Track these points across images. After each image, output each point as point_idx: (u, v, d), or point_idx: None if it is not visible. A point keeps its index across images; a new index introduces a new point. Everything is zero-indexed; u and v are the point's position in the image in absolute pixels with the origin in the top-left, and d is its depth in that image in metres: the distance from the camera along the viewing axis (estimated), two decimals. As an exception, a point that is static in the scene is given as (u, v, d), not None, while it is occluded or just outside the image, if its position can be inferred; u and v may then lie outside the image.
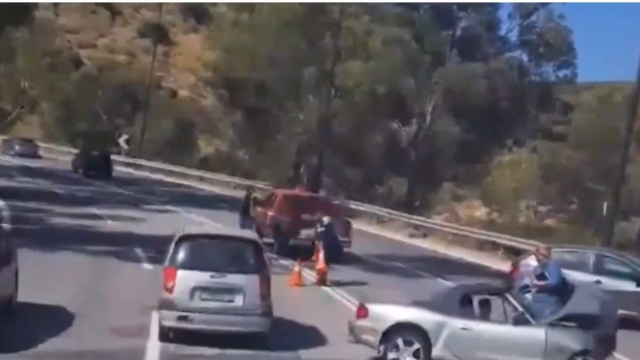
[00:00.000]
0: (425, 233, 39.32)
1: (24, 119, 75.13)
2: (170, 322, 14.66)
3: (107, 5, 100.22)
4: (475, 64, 49.28)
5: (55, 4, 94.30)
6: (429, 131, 50.79)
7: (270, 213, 29.10)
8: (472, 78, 48.60)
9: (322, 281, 23.03)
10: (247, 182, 51.99)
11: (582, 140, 60.82)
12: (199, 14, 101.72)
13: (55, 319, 16.35)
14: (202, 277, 14.64)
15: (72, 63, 79.23)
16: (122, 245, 26.93)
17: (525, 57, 51.38)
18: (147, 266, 23.61)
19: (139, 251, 26.07)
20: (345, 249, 27.97)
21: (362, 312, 14.50)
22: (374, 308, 14.45)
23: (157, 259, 24.41)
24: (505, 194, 57.81)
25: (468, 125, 50.21)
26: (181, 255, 15.01)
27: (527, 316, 13.67)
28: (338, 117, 48.22)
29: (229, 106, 52.74)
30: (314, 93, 49.23)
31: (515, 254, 34.47)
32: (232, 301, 14.66)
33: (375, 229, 40.39)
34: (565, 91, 56.60)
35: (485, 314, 14.31)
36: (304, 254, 25.00)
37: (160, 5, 73.45)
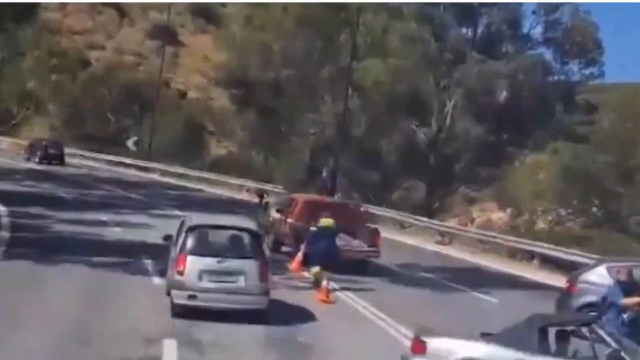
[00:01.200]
0: (451, 240, 36.65)
1: (29, 121, 72.55)
2: (181, 301, 16.44)
3: (116, 7, 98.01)
4: (498, 62, 46.56)
5: (63, 6, 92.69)
6: (448, 132, 48.08)
7: (289, 220, 26.50)
8: (494, 77, 45.88)
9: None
10: (261, 185, 49.40)
11: (605, 142, 58.29)
12: (207, 15, 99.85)
13: (46, 350, 13.77)
14: (208, 262, 16.51)
15: (79, 64, 76.78)
16: (130, 256, 24.38)
17: (549, 55, 48.53)
18: (157, 281, 21.01)
19: (147, 263, 23.49)
20: (372, 259, 25.44)
21: (419, 347, 11.86)
22: (433, 342, 11.79)
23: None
24: (524, 197, 55.26)
25: (489, 126, 47.56)
26: (190, 242, 16.78)
27: (624, 355, 11.00)
28: (355, 117, 45.56)
29: (242, 106, 50.08)
30: (329, 92, 46.56)
31: (550, 262, 31.95)
32: (234, 282, 16.51)
33: (396, 235, 37.71)
34: (590, 91, 54.01)
35: (563, 351, 11.64)
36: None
37: (169, 5, 70.73)
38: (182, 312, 16.38)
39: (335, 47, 45.01)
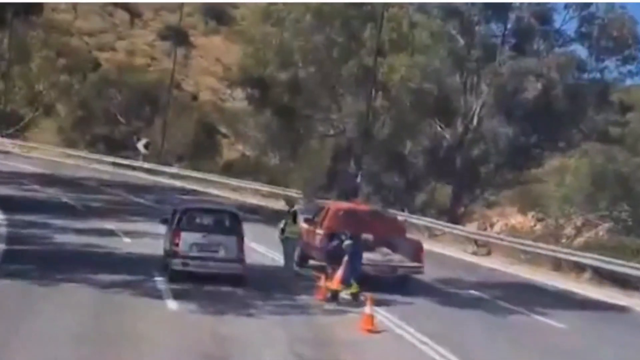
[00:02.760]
0: (489, 250, 33.13)
1: (38, 123, 69.20)
2: (177, 267, 20.06)
3: (127, 8, 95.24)
4: (530, 59, 42.92)
5: (74, 7, 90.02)
6: (475, 133, 44.49)
7: (320, 231, 23.01)
8: (526, 75, 42.28)
9: (330, 297, 19.11)
10: (278, 190, 46.01)
11: (639, 143, 54.80)
12: (219, 16, 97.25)
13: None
14: (197, 237, 20.31)
15: (89, 65, 73.58)
16: (140, 273, 21.00)
17: (582, 52, 44.84)
18: (172, 305, 17.63)
19: (160, 282, 20.11)
20: (416, 275, 22.02)
21: None
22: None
23: (184, 293, 18.56)
24: (548, 201, 51.76)
25: (519, 126, 43.92)
26: (184, 221, 20.66)
27: None
28: (379, 117, 42.02)
29: (258, 106, 46.55)
30: (351, 91, 43.01)
31: (600, 275, 28.45)
32: (217, 252, 20.31)
33: (428, 245, 34.10)
34: (626, 90, 50.58)
35: None
36: (364, 281, 19.26)
37: (181, 5, 67.41)
38: (177, 277, 19.93)
39: (358, 43, 41.38)
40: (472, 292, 23.08)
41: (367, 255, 21.23)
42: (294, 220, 22.66)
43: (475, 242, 34.21)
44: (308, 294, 20.15)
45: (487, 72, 43.29)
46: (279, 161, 51.18)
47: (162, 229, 29.74)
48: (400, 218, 27.25)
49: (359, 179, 26.07)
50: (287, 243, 22.55)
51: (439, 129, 45.93)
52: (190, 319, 16.56)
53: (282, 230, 22.40)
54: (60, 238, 26.07)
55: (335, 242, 19.96)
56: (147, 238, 27.79)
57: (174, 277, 19.98)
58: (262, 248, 27.28)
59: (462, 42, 44.34)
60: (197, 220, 21.35)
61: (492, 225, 56.49)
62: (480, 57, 43.83)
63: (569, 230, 51.79)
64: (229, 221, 21.30)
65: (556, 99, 43.92)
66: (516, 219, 61.37)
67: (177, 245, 20.19)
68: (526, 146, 45.42)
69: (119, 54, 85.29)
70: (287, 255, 22.51)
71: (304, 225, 24.38)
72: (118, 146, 63.94)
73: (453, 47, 43.68)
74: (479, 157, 45.50)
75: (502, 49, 44.11)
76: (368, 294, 17.46)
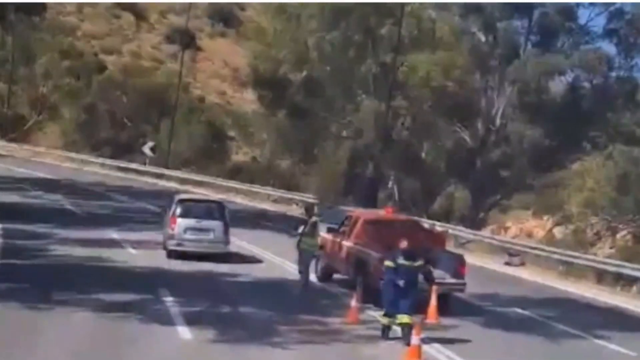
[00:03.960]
0: (523, 260, 30.35)
1: (42, 127, 66.46)
2: (173, 247, 23.63)
3: (133, 11, 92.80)
4: (556, 57, 40.15)
5: (80, 10, 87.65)
6: (498, 134, 41.76)
7: (347, 243, 20.33)
8: (553, 73, 39.57)
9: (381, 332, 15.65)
10: (292, 195, 43.31)
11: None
12: (226, 19, 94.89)
13: None
14: (190, 222, 23.85)
15: (95, 68, 70.91)
16: (147, 291, 18.34)
17: (610, 49, 42.08)
18: (185, 333, 14.90)
19: (169, 302, 17.41)
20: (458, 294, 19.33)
21: None
22: None
23: (197, 317, 15.90)
24: (570, 205, 48.95)
25: (544, 127, 41.25)
26: (179, 210, 24.11)
27: None
28: (399, 118, 39.24)
29: (270, 108, 43.73)
30: (369, 91, 40.22)
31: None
32: (206, 235, 23.92)
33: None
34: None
35: None
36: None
37: (189, 6, 64.69)
38: (174, 255, 23.32)
39: (377, 41, 38.57)
40: (518, 310, 20.33)
41: (403, 271, 18.55)
42: (313, 232, 19.94)
43: (509, 251, 31.43)
44: (337, 315, 17.46)
45: (511, 71, 40.47)
46: (291, 165, 48.37)
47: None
48: (439, 229, 24.42)
49: (390, 185, 23.23)
50: (304, 256, 19.90)
51: (459, 130, 43.21)
52: (208, 351, 13.85)
53: (300, 239, 19.78)
54: (60, 250, 23.41)
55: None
56: (154, 249, 25.17)
57: (171, 255, 23.61)
58: (278, 259, 24.59)
59: (483, 39, 41.62)
60: (190, 209, 24.51)
61: (506, 230, 53.76)
62: (503, 55, 41.05)
63: (590, 235, 49.12)
64: (217, 210, 24.82)
65: (583, 99, 41.24)
66: (531, 224, 58.70)
67: (173, 229, 23.64)
68: (551, 148, 42.71)
69: (125, 57, 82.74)
70: (302, 269, 19.87)
71: (328, 236, 21.70)
72: (124, 150, 61.35)
73: (474, 44, 40.93)
74: (501, 159, 42.79)
75: (526, 47, 41.34)
76: (415, 321, 14.74)
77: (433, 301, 16.20)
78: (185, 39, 69.23)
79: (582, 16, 42.69)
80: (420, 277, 15.95)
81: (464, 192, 45.54)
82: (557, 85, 40.38)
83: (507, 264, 29.73)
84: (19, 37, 60.92)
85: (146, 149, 55.80)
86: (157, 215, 34.63)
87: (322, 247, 22.07)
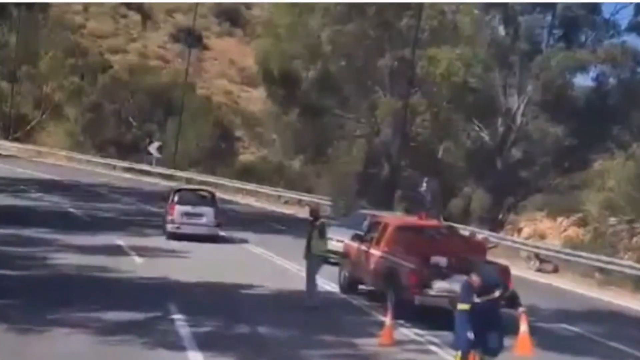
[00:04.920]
0: (556, 266, 28.01)
1: (46, 126, 64.25)
2: (172, 230, 26.55)
3: (139, 10, 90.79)
4: (581, 51, 37.80)
5: (85, 9, 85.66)
6: (519, 132, 39.41)
7: (375, 252, 18.04)
8: (578, 69, 37.20)
9: None
10: (304, 197, 41.00)
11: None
12: (233, 18, 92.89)
13: None
14: (186, 208, 26.90)
15: (100, 67, 68.75)
16: (153, 308, 16.05)
17: (637, 43, 39.67)
18: (196, 358, 12.57)
19: (179, 321, 15.10)
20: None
21: None
22: None
23: (210, 339, 13.63)
24: (589, 206, 46.61)
25: (569, 125, 38.92)
26: (176, 198, 27.29)
27: None
28: (418, 115, 36.84)
29: (281, 106, 41.35)
30: (386, 87, 37.83)
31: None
32: (200, 220, 26.89)
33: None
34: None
35: None
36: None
37: (196, 5, 62.43)
38: (173, 235, 26.22)
39: (395, 34, 36.17)
40: (566, 326, 17.99)
41: (440, 285, 16.27)
42: (321, 235, 17.62)
43: (537, 256, 29.10)
44: (368, 334, 15.20)
45: (533, 66, 38.08)
46: (303, 165, 45.98)
47: (181, 244, 25.41)
48: (479, 236, 22.08)
49: (424, 188, 20.82)
50: (311, 262, 17.61)
51: (477, 127, 40.87)
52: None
53: (307, 245, 17.53)
54: (58, 258, 21.14)
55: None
56: (162, 257, 22.93)
57: (169, 236, 26.33)
58: (295, 266, 22.21)
59: (503, 33, 39.27)
60: (186, 197, 27.75)
61: (519, 231, 51.38)
62: (525, 50, 38.68)
63: (609, 237, 46.80)
64: (208, 198, 28.33)
65: (609, 95, 38.89)
66: (545, 224, 56.34)
67: (172, 215, 26.66)
68: (574, 147, 40.36)
69: (131, 56, 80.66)
70: (309, 277, 17.60)
71: (353, 243, 19.43)
72: (129, 150, 59.23)
73: (495, 38, 38.58)
74: (522, 159, 40.44)
75: (549, 41, 38.98)
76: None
77: (524, 330, 12.60)
78: (191, 38, 67.03)
79: (607, 9, 40.12)
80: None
81: (483, 193, 43.11)
82: (580, 82, 38.03)
83: (539, 270, 27.39)
84: (22, 34, 58.71)
85: (153, 149, 53.55)
86: (162, 218, 32.53)
87: (346, 255, 19.91)
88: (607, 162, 46.90)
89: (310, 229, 17.79)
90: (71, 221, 29.30)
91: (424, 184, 20.80)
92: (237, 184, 48.30)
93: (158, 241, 25.88)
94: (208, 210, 27.01)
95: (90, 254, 22.19)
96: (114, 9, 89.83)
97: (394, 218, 20.43)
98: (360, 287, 19.37)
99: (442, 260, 16.67)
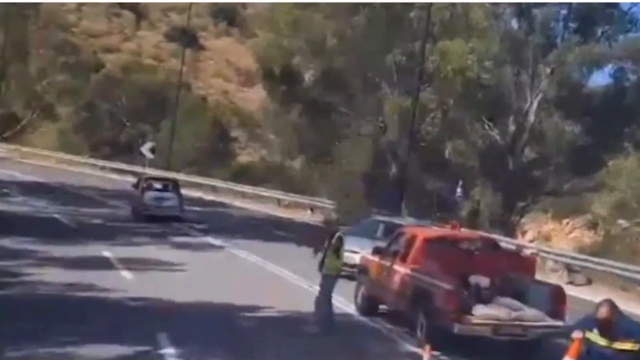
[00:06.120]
0: (589, 278, 25.16)
1: (37, 126, 61.27)
2: (143, 211, 30.29)
3: (133, 9, 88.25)
4: (600, 46, 35.01)
5: (79, 8, 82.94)
6: (532, 131, 36.61)
7: (401, 269, 15.15)
8: (596, 64, 34.43)
9: None
10: (305, 200, 38.18)
11: None
12: (229, 17, 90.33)
13: None
14: (155, 193, 31.28)
15: (93, 66, 65.95)
16: (141, 338, 13.23)
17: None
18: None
19: (170, 358, 12.18)
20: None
21: None
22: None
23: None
24: (595, 208, 43.89)
25: (585, 124, 36.14)
26: (146, 185, 31.62)
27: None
28: (429, 114, 33.96)
29: (282, 104, 38.49)
30: (394, 84, 34.93)
31: None
32: (166, 203, 30.93)
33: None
34: None
35: None
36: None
37: (189, 5, 59.61)
38: (142, 217, 30.01)
39: (403, 26, 33.25)
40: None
41: (484, 311, 13.40)
42: (336, 251, 14.72)
43: (567, 266, 26.26)
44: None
45: (548, 61, 35.26)
46: (305, 166, 43.04)
47: (176, 255, 22.59)
48: (526, 250, 18.99)
49: (458, 192, 17.94)
50: (324, 282, 14.72)
51: (487, 127, 38.02)
52: None
53: (322, 262, 14.66)
54: (36, 275, 18.22)
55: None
56: (153, 271, 20.06)
57: (140, 218, 29.94)
58: (304, 282, 19.34)
59: (516, 26, 36.47)
60: (153, 184, 32.20)
61: (524, 234, 48.66)
62: (540, 44, 35.84)
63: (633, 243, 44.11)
64: (172, 185, 32.49)
65: (628, 92, 36.13)
66: (549, 226, 53.61)
67: (143, 198, 30.51)
68: (590, 147, 37.55)
69: (125, 55, 77.96)
70: (321, 298, 14.73)
71: (373, 258, 16.58)
72: (123, 151, 56.37)
73: (507, 31, 35.76)
74: (536, 159, 37.66)
75: (564, 35, 36.17)
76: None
77: None
78: (187, 38, 64.26)
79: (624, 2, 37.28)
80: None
81: (493, 195, 40.25)
82: (596, 78, 35.22)
83: (571, 282, 24.51)
84: (12, 30, 55.67)
85: (145, 150, 50.62)
86: (155, 225, 29.69)
87: (363, 270, 17.00)
88: (619, 162, 44.20)
89: (327, 241, 14.90)
90: (55, 229, 26.43)
91: (459, 189, 17.89)
92: (235, 186, 45.43)
93: (150, 251, 23.03)
94: (173, 196, 31.40)
95: (74, 268, 19.34)
96: (108, 8, 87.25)
97: (422, 228, 17.48)
98: (382, 307, 16.54)
99: (483, 280, 13.83)
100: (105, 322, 14.25)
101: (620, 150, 40.54)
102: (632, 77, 35.75)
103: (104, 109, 60.66)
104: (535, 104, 36.85)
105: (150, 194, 30.78)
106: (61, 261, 20.08)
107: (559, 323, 13.56)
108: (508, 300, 13.69)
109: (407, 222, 20.62)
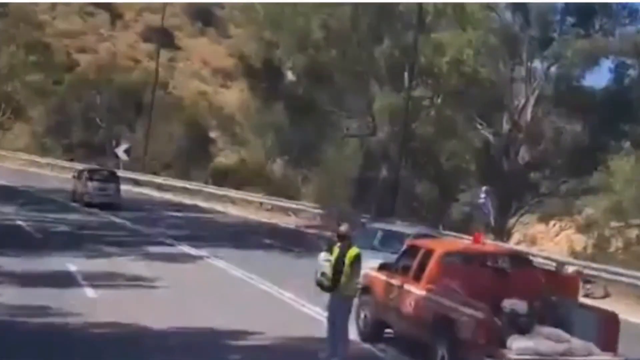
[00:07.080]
0: (607, 291, 22.68)
1: (8, 128, 58.34)
2: (85, 199, 34.05)
3: (108, 8, 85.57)
4: (600, 39, 32.75)
5: (52, 7, 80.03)
6: (529, 131, 34.32)
7: (414, 290, 12.58)
8: (596, 59, 32.17)
9: None
10: (289, 204, 35.61)
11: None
12: (205, 17, 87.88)
13: None
14: (95, 184, 34.52)
15: (66, 66, 63.13)
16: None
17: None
18: None
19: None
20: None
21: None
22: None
23: None
24: (592, 209, 41.73)
25: (584, 122, 33.94)
26: (88, 175, 35.18)
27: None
28: (422, 111, 31.46)
29: (264, 102, 35.85)
30: (384, 79, 32.36)
31: None
32: (106, 192, 34.42)
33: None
34: None
35: None
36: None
37: (164, 6, 57.02)
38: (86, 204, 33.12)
39: (395, 18, 30.72)
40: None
41: (522, 344, 10.85)
42: (354, 270, 12.11)
43: (584, 277, 23.69)
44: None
45: (546, 56, 32.93)
46: (288, 168, 40.39)
47: (149, 268, 19.93)
48: (568, 268, 16.20)
49: (482, 197, 15.37)
50: (342, 304, 12.09)
51: (480, 125, 35.67)
52: None
53: (334, 280, 12.02)
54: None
55: None
56: (124, 287, 17.40)
57: (84, 205, 33.39)
58: (299, 301, 16.72)
59: (511, 19, 34.13)
60: (95, 175, 35.43)
61: (509, 236, 46.41)
62: (536, 38, 33.51)
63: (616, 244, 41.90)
64: (112, 176, 36.34)
65: (628, 88, 33.95)
66: (535, 229, 51.43)
67: (86, 187, 34.31)
68: (589, 146, 35.32)
69: (99, 56, 75.22)
70: (338, 330, 12.11)
71: (379, 275, 13.98)
72: (97, 152, 53.66)
73: (502, 24, 33.40)
74: (532, 160, 35.37)
75: (562, 28, 33.88)
76: None
77: None
78: (162, 38, 61.65)
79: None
80: None
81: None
82: (596, 74, 33.02)
83: (588, 295, 22.01)
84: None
85: (120, 152, 47.81)
86: (127, 233, 27.03)
87: (367, 288, 14.29)
88: (617, 162, 42.00)
89: (338, 255, 12.27)
90: (17, 238, 23.72)
91: (482, 194, 15.33)
92: (215, 189, 42.75)
93: (120, 263, 20.35)
94: (112, 185, 34.88)
95: (33, 285, 16.71)
96: (82, 8, 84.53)
97: (438, 240, 14.88)
98: (387, 331, 13.98)
99: (519, 305, 11.27)
100: (64, 354, 11.58)
101: (619, 149, 38.41)
102: (632, 73, 33.44)
103: (77, 110, 57.96)
104: (532, 101, 34.56)
105: (92, 184, 34.26)
106: (20, 277, 17.48)
107: (614, 358, 11.06)
108: (551, 330, 11.16)
109: (412, 231, 18.00)
